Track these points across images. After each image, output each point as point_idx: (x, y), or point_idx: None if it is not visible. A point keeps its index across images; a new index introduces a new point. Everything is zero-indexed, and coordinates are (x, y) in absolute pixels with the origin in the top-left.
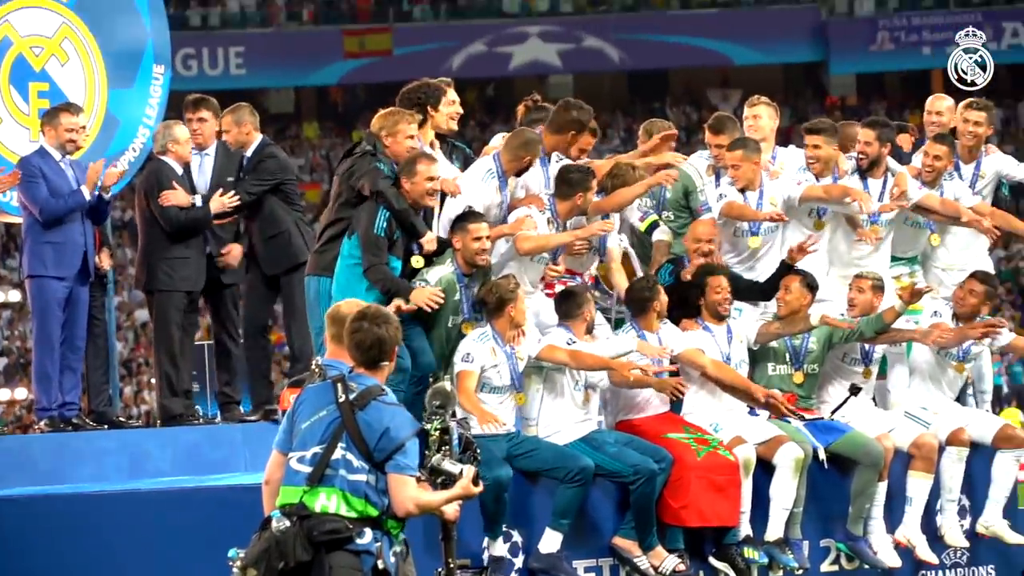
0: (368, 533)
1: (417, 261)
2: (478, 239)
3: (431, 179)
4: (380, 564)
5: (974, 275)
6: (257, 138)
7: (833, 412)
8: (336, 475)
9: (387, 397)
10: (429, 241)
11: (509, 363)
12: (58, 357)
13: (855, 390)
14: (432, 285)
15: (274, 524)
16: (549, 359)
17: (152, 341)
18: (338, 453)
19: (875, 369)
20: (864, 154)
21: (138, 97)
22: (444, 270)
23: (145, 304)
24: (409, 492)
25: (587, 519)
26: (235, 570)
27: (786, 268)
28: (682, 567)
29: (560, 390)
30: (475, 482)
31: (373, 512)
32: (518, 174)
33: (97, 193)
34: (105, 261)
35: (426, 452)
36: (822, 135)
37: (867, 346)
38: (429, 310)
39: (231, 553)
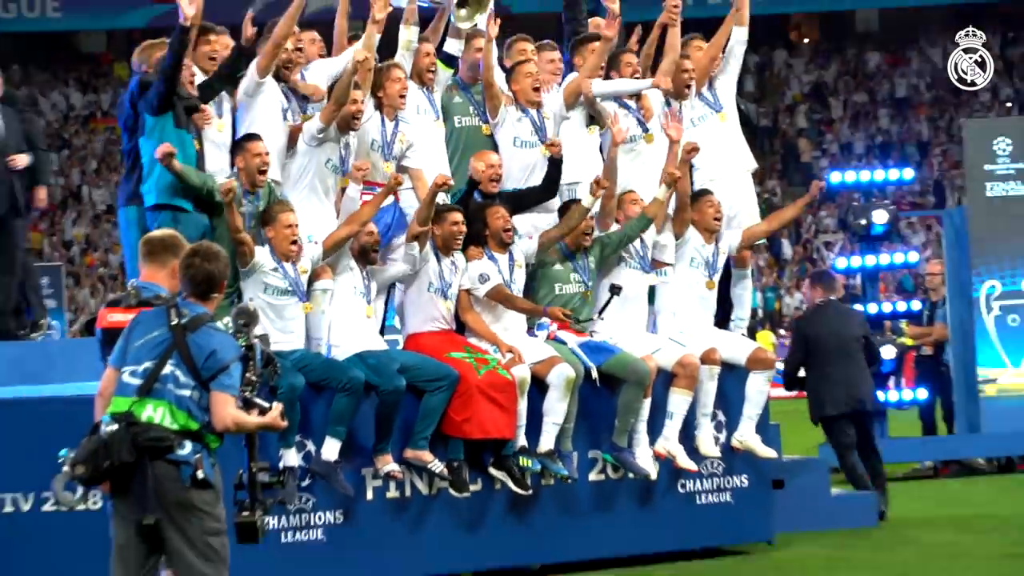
0: (188, 445)
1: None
2: (257, 155)
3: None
4: (200, 474)
5: None
6: None
7: (600, 313)
8: (164, 388)
9: (215, 324)
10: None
11: (284, 272)
12: None
13: (616, 290)
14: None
15: (103, 427)
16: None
17: None
18: (168, 368)
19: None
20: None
21: None
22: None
23: None
24: (229, 409)
25: (370, 432)
26: (65, 468)
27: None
28: (398, 474)
29: (346, 306)
30: (282, 417)
31: (194, 426)
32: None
33: None
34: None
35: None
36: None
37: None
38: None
39: (62, 452)
